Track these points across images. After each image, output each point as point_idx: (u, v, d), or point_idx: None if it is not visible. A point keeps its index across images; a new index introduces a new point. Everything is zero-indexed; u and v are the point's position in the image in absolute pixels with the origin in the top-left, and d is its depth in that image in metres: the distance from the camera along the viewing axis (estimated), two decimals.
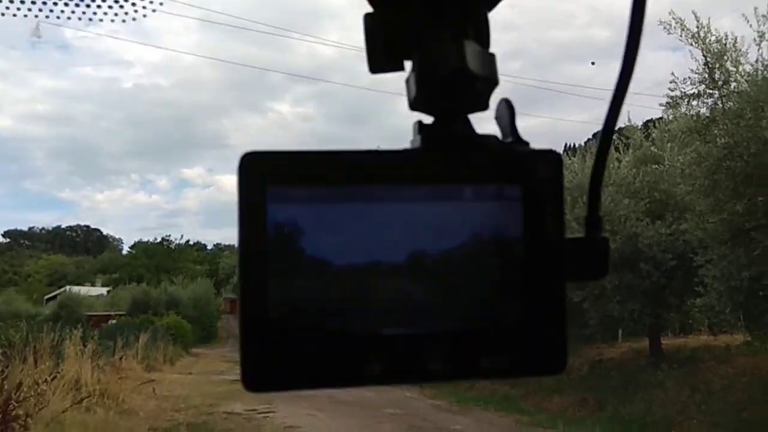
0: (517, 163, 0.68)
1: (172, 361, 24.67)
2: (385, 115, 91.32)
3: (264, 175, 0.63)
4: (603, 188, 0.76)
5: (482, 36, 0.71)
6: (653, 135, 15.03)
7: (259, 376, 0.63)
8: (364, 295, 0.64)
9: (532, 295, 0.67)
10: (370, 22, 0.71)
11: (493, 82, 0.70)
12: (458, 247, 0.66)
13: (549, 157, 0.69)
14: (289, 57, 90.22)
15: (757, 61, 10.44)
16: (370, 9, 0.72)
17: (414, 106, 0.71)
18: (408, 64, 0.72)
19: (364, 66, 0.73)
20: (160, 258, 58.60)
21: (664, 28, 10.65)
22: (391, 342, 0.65)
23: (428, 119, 0.71)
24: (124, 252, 74.22)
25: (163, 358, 23.32)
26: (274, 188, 0.63)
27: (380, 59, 0.71)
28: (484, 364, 0.66)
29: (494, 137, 0.71)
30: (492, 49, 0.72)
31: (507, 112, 0.72)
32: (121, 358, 17.34)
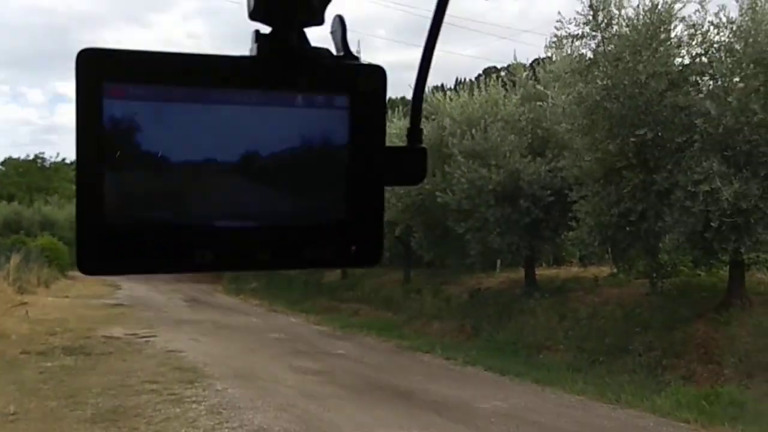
0: (346, 76, 0.74)
1: (47, 283, 23.76)
2: None
3: (101, 71, 0.65)
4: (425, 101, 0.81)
5: None
6: (539, 74, 15.42)
7: (96, 260, 0.67)
8: (199, 190, 0.68)
9: (353, 196, 0.73)
10: None
11: None
12: (288, 150, 0.71)
13: (375, 71, 0.74)
14: None
15: (638, 6, 10.86)
16: None
17: (253, 15, 0.73)
18: None
19: None
20: (33, 176, 55.42)
21: None
22: (224, 233, 0.70)
23: (266, 29, 0.73)
24: None
25: (37, 281, 22.41)
26: (111, 85, 0.65)
27: None
28: (307, 255, 0.73)
29: (326, 50, 0.75)
30: None
31: (340, 28, 0.76)
32: None
